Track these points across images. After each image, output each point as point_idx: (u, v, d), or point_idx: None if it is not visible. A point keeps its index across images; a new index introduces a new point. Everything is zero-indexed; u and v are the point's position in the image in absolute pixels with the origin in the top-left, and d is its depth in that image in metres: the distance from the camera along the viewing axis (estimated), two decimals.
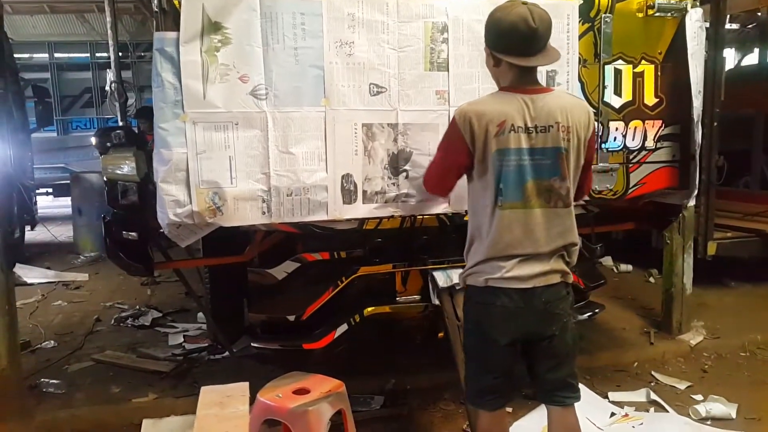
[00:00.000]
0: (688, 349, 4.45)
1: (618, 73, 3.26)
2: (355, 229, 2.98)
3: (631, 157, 3.37)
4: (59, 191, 9.90)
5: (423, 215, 3.04)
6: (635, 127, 3.34)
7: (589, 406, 3.57)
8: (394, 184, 2.97)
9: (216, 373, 4.04)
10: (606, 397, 3.78)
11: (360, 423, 3.40)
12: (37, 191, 9.39)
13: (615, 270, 6.49)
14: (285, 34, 2.74)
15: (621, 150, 3.36)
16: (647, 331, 4.67)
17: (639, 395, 3.81)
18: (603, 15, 3.14)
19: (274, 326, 3.18)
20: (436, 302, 3.14)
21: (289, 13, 2.74)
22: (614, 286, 5.67)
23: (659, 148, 3.42)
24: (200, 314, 5.00)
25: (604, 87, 3.25)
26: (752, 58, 8.37)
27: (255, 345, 3.15)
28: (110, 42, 3.66)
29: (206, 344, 4.45)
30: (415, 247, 3.17)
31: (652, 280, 6.14)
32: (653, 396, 3.73)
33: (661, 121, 3.38)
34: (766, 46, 8.08)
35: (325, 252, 3.09)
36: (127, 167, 2.95)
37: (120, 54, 3.09)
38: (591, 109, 2.40)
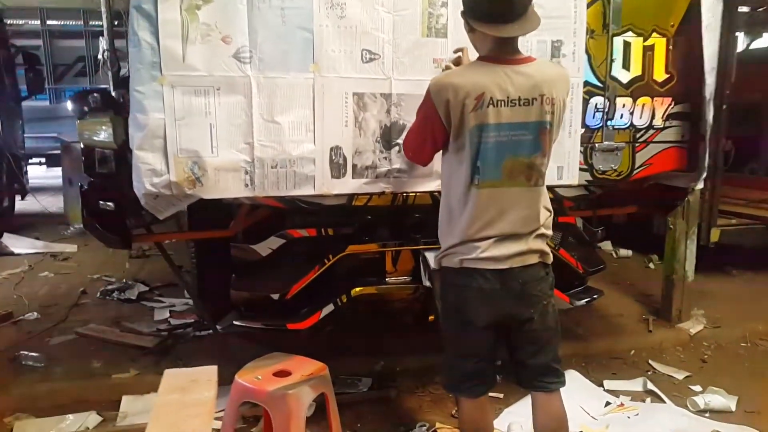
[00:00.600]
0: (687, 338, 4.33)
1: (627, 45, 3.08)
2: (344, 205, 2.82)
3: (637, 135, 3.21)
4: (52, 161, 9.74)
5: (416, 192, 2.88)
6: (643, 105, 3.17)
7: (583, 394, 3.47)
8: (386, 158, 2.81)
9: (200, 350, 3.92)
10: (601, 385, 3.66)
11: (346, 405, 3.30)
12: (29, 161, 9.23)
13: (614, 255, 6.35)
14: None
15: (627, 128, 3.19)
16: (645, 319, 4.54)
17: (635, 384, 3.69)
18: None
19: (257, 305, 3.04)
20: (428, 284, 3.00)
21: None
22: (613, 271, 5.51)
23: (667, 128, 3.25)
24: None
25: (611, 60, 3.08)
26: (762, 42, 8.15)
27: (237, 324, 3.01)
28: (103, 9, 3.48)
29: (192, 320, 4.32)
30: (406, 225, 3.01)
31: (651, 266, 6.00)
32: (650, 386, 3.61)
33: (670, 99, 3.20)
34: None
35: (312, 228, 2.94)
36: (103, 133, 2.78)
37: (114, 22, 2.92)
38: (569, 78, 2.30)
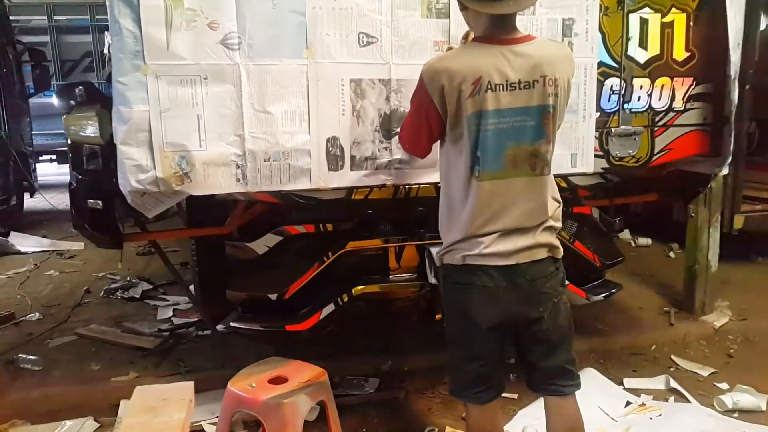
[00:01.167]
0: (711, 331, 4.11)
1: (644, 22, 2.88)
2: (343, 199, 2.66)
3: (656, 119, 3.01)
4: (63, 158, 9.67)
5: (419, 184, 2.72)
6: (662, 85, 2.97)
7: (601, 393, 3.29)
8: (386, 148, 2.65)
9: (202, 350, 3.80)
10: (621, 383, 3.48)
11: (352, 407, 3.17)
12: (40, 158, 9.18)
13: (632, 244, 6.12)
14: None
15: (645, 111, 3.00)
16: (667, 311, 4.33)
17: (657, 382, 3.50)
18: None
19: (255, 305, 2.89)
20: (434, 281, 2.83)
21: None
22: (631, 261, 5.28)
23: (689, 110, 3.04)
24: (191, 287, 4.76)
25: (627, 39, 2.89)
26: None
27: (234, 325, 2.87)
28: (108, 3, 3.35)
29: (195, 319, 4.19)
30: (410, 219, 2.84)
31: (672, 255, 5.77)
32: (673, 383, 3.42)
33: (692, 79, 3.00)
34: None
35: (310, 224, 2.78)
36: (90, 128, 2.65)
37: None
38: (573, 57, 2.11)
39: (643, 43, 2.92)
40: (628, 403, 3.28)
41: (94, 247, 6.18)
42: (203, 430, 3.01)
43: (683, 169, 3.31)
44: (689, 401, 3.26)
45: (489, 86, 1.92)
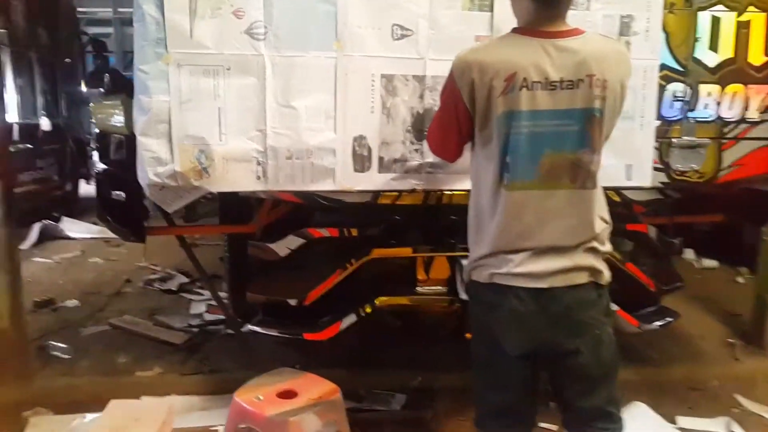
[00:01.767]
0: None
1: (716, 21, 2.59)
2: (368, 203, 2.49)
3: (725, 131, 2.71)
4: None
5: (452, 191, 2.51)
6: (734, 93, 2.66)
7: None
8: (417, 150, 2.46)
9: (228, 350, 3.70)
10: (673, 422, 3.13)
11: (376, 424, 2.99)
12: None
13: (696, 265, 5.67)
14: None
15: (713, 121, 2.71)
16: (731, 343, 3.95)
17: (717, 424, 3.12)
18: None
19: (275, 309, 2.76)
20: (465, 296, 2.61)
21: None
22: (694, 284, 4.89)
23: (765, 122, 2.72)
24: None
25: (695, 39, 2.61)
26: None
27: (253, 329, 2.74)
28: None
29: (225, 316, 4.11)
30: (440, 228, 2.63)
31: (741, 280, 5.30)
32: (735, 427, 3.05)
33: None
34: None
35: (334, 228, 2.61)
36: (115, 117, 2.58)
37: None
38: (629, 57, 1.86)
39: (713, 45, 2.63)
40: None
41: None
42: None
43: (755, 188, 2.97)
44: None
45: (524, 84, 1.70)
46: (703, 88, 2.66)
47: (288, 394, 2.18)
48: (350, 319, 2.64)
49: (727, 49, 2.61)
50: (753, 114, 2.71)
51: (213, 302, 4.41)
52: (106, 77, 2.60)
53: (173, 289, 4.75)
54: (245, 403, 2.11)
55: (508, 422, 1.94)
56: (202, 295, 4.60)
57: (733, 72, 2.65)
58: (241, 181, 2.36)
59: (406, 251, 2.65)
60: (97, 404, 3.12)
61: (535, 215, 1.77)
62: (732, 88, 2.66)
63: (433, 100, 2.41)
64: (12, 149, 4.02)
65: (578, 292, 1.82)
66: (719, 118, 2.69)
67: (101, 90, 2.67)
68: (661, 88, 2.61)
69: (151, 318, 4.15)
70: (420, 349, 3.59)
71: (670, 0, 2.51)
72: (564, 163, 1.76)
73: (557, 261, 1.79)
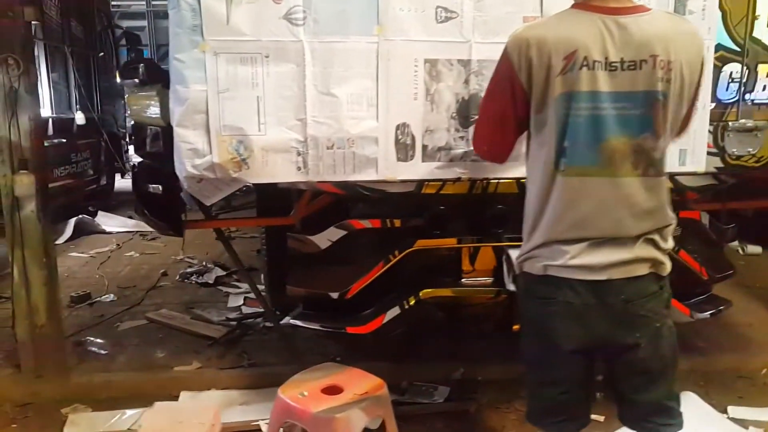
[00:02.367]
0: None
1: None
2: (411, 192, 2.41)
3: None
4: None
5: (498, 179, 2.42)
6: None
7: (701, 422, 2.87)
8: (462, 138, 2.37)
9: (267, 343, 3.68)
10: (725, 411, 3.04)
11: (418, 418, 2.93)
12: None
13: (740, 252, 5.50)
14: None
15: None
16: None
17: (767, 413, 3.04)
18: None
19: (316, 302, 2.70)
20: (512, 288, 2.53)
21: None
22: (739, 270, 4.72)
23: None
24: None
25: (754, 17, 2.47)
26: None
27: (294, 323, 2.69)
28: None
29: (263, 309, 4.07)
30: (487, 218, 2.54)
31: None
32: None
33: None
34: None
35: (376, 219, 2.54)
36: (151, 109, 2.53)
37: None
38: (703, 39, 1.76)
39: None
40: None
41: None
42: (260, 430, 2.85)
43: None
44: None
45: (585, 63, 1.61)
46: (762, 69, 2.54)
47: (333, 390, 2.13)
48: (394, 312, 2.57)
49: None
50: None
51: (250, 295, 4.41)
52: (141, 68, 2.54)
53: (210, 282, 4.73)
54: (290, 400, 2.06)
55: (562, 417, 1.88)
56: (239, 288, 4.59)
57: None
58: (281, 172, 2.30)
59: (450, 242, 2.57)
60: (135, 400, 3.13)
61: (593, 203, 1.68)
62: None
63: (479, 86, 2.32)
64: (46, 144, 4.04)
65: (638, 283, 1.74)
66: None
67: (135, 81, 2.62)
68: (717, 70, 2.49)
69: (189, 312, 4.14)
70: (461, 340, 3.52)
71: None
72: (625, 149, 1.66)
73: (616, 253, 1.70)
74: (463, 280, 2.67)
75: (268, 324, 3.90)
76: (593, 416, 2.67)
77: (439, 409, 3.06)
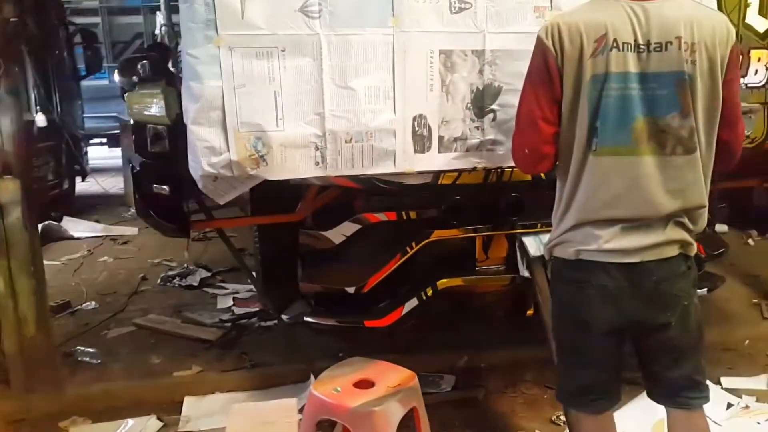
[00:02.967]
0: None
1: None
2: (428, 184, 2.42)
3: None
4: (113, 141, 9.63)
5: (512, 167, 2.45)
6: None
7: None
8: (477, 128, 2.39)
9: (266, 343, 3.62)
10: (718, 382, 3.16)
11: (430, 407, 2.86)
12: (90, 141, 9.14)
13: (707, 231, 5.70)
14: None
15: (763, 87, 2.67)
16: (756, 303, 4.00)
17: (758, 382, 3.19)
18: None
19: (330, 298, 2.67)
20: (526, 274, 2.57)
21: None
22: None
23: None
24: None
25: (746, 4, 2.58)
26: None
27: (308, 320, 2.66)
28: None
29: (257, 309, 4.02)
30: (501, 206, 2.57)
31: (751, 242, 5.35)
32: None
33: None
34: None
35: (392, 212, 2.53)
36: (155, 107, 2.46)
37: None
38: (731, 24, 1.78)
39: (763, 11, 2.60)
40: (729, 405, 2.97)
41: (148, 232, 6.20)
42: None
43: None
44: None
45: (615, 45, 1.66)
46: (754, 54, 2.64)
47: (365, 384, 2.11)
48: (412, 304, 2.57)
49: None
50: None
51: (239, 296, 4.35)
52: (143, 64, 2.46)
53: (194, 284, 4.62)
54: (325, 396, 2.04)
55: (594, 398, 1.92)
56: (225, 289, 4.51)
57: None
58: (300, 167, 2.27)
59: (467, 231, 2.58)
60: (136, 409, 3.06)
61: (625, 182, 1.72)
62: None
63: (493, 75, 2.35)
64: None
65: (669, 264, 1.79)
66: None
67: (134, 79, 2.54)
68: None
69: (178, 315, 4.04)
70: (462, 328, 3.55)
71: None
72: (654, 129, 1.71)
73: (649, 236, 1.75)
74: (477, 268, 2.69)
75: (263, 324, 3.85)
76: None
77: (448, 397, 3.09)
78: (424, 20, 2.27)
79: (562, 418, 2.87)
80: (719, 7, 2.53)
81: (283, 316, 3.40)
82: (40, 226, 5.75)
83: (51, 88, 6.27)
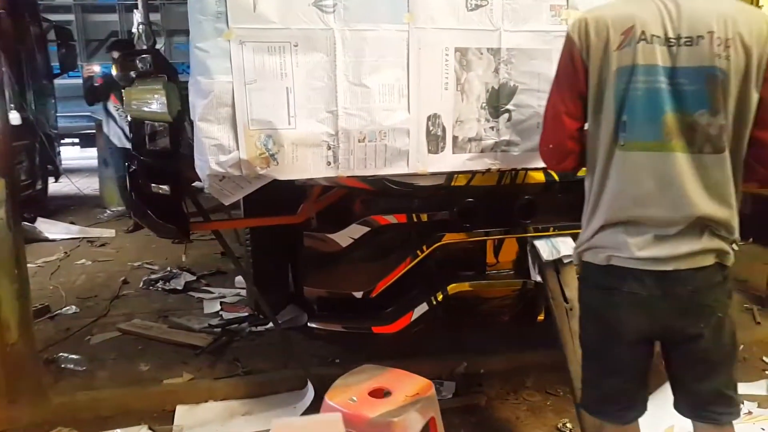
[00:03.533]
0: None
1: None
2: (441, 185, 2.35)
3: None
4: (86, 141, 9.37)
5: (526, 169, 2.40)
6: None
7: None
8: (492, 128, 2.33)
9: (258, 348, 3.52)
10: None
11: None
12: (62, 141, 8.88)
13: None
14: None
15: None
16: (749, 309, 4.01)
17: (758, 387, 3.19)
18: None
19: (334, 303, 2.59)
20: (537, 278, 2.51)
21: None
22: None
23: None
24: (238, 278, 4.48)
25: (758, 6, 2.55)
26: None
27: (313, 326, 2.56)
28: None
29: (246, 313, 3.91)
30: (514, 209, 2.51)
31: (735, 247, 5.35)
32: None
33: None
34: None
35: (401, 214, 2.45)
36: (156, 103, 2.35)
37: None
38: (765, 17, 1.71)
39: None
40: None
41: (126, 234, 6.03)
42: None
43: None
44: None
45: (642, 37, 1.61)
46: None
47: (381, 393, 2.03)
48: (422, 309, 2.49)
49: None
50: None
51: (227, 300, 4.23)
52: (143, 58, 2.35)
53: (178, 288, 4.48)
54: (341, 407, 1.95)
55: (621, 407, 1.86)
56: (212, 293, 4.38)
57: None
58: (311, 167, 2.18)
59: (479, 235, 2.51)
60: (124, 418, 2.93)
61: (654, 179, 1.66)
62: None
63: (508, 74, 2.29)
64: None
65: (704, 274, 1.71)
66: None
67: (132, 74, 2.41)
68: None
69: (164, 320, 3.91)
70: (459, 334, 3.49)
71: None
72: (682, 125, 1.65)
73: (683, 244, 1.67)
74: (488, 272, 2.62)
75: (254, 329, 3.74)
76: None
77: (450, 404, 3.01)
78: (440, 17, 2.20)
79: (569, 425, 2.85)
80: None
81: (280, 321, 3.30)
82: None
83: (25, 86, 6.06)
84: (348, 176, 2.23)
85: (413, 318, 2.50)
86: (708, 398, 1.81)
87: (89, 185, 8.07)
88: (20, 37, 6.05)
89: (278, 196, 2.75)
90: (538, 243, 2.48)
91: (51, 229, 6.06)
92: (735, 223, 1.75)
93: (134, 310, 4.13)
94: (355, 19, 2.13)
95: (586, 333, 1.91)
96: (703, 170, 1.67)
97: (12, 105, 5.72)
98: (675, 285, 1.69)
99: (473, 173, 2.37)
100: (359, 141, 2.19)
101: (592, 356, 1.91)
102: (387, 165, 2.25)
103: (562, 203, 2.49)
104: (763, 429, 2.82)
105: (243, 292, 4.25)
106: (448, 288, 2.49)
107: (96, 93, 6.00)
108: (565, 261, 2.47)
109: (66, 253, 5.51)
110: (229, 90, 2.06)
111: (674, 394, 1.90)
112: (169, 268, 4.81)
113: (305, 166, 2.17)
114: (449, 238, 2.46)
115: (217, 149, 2.09)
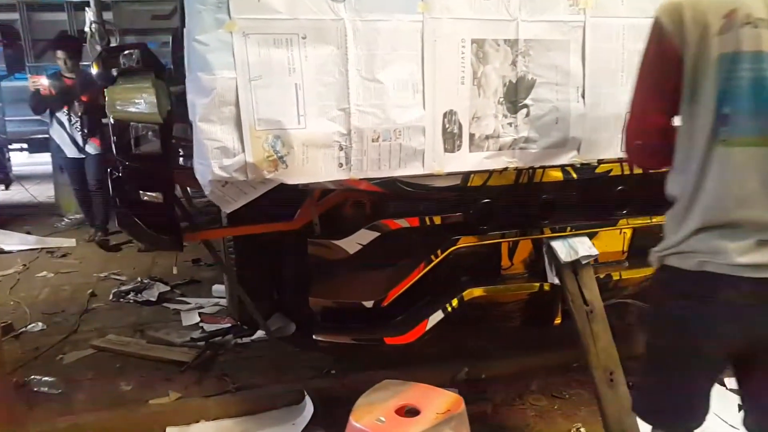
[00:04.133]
0: None
1: None
2: (457, 186, 2.21)
3: None
4: (35, 146, 8.86)
5: (544, 167, 2.28)
6: None
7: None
8: (510, 124, 2.20)
9: (247, 362, 3.34)
10: (722, 384, 3.11)
11: None
12: (10, 146, 8.40)
13: None
14: None
15: None
16: None
17: None
18: None
19: (341, 313, 2.43)
20: (555, 280, 2.41)
21: None
22: None
23: None
24: (215, 287, 4.26)
25: None
26: None
27: (319, 339, 2.40)
28: None
29: (229, 324, 3.70)
30: (531, 209, 2.39)
31: None
32: None
33: None
34: None
35: (413, 217, 2.30)
36: (143, 103, 2.14)
37: None
38: None
39: None
40: (740, 407, 2.92)
41: (88, 244, 5.71)
42: None
43: None
44: None
45: (748, 20, 1.46)
46: None
47: (409, 411, 1.89)
48: (437, 317, 2.34)
49: None
50: None
51: (205, 311, 4.01)
52: (130, 54, 2.13)
53: (152, 299, 4.22)
54: (369, 428, 1.80)
55: (683, 420, 1.73)
56: (188, 303, 4.15)
57: None
58: (322, 170, 2.02)
59: (496, 237, 2.38)
60: None
61: (760, 179, 1.50)
62: None
63: (526, 67, 2.17)
64: None
65: None
66: None
67: (113, 72, 2.20)
68: None
69: (142, 335, 3.67)
70: (458, 337, 3.37)
71: None
72: None
73: None
74: (503, 275, 2.49)
75: (240, 341, 3.54)
76: None
77: None
78: (455, 6, 2.07)
79: (582, 430, 2.76)
80: None
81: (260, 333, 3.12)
82: None
83: None
84: (361, 178, 2.07)
85: (428, 327, 2.35)
86: None
87: (42, 192, 7.65)
88: None
89: (270, 201, 2.59)
90: (554, 244, 2.37)
91: (5, 239, 5.69)
92: None
93: (107, 325, 3.87)
94: (367, 9, 1.97)
95: (660, 342, 1.74)
96: None
97: None
98: None
99: (490, 172, 2.24)
100: (373, 140, 2.04)
101: (659, 366, 1.75)
102: (401, 166, 2.10)
103: (577, 201, 2.39)
104: None
105: (222, 302, 4.03)
106: (464, 294, 2.35)
107: (45, 101, 5.57)
108: (584, 262, 2.37)
109: (25, 265, 5.16)
110: (232, 87, 1.87)
111: (747, 411, 1.74)
112: (139, 279, 4.53)
113: (316, 168, 2.00)
114: (465, 241, 2.32)
115: (220, 152, 1.90)
